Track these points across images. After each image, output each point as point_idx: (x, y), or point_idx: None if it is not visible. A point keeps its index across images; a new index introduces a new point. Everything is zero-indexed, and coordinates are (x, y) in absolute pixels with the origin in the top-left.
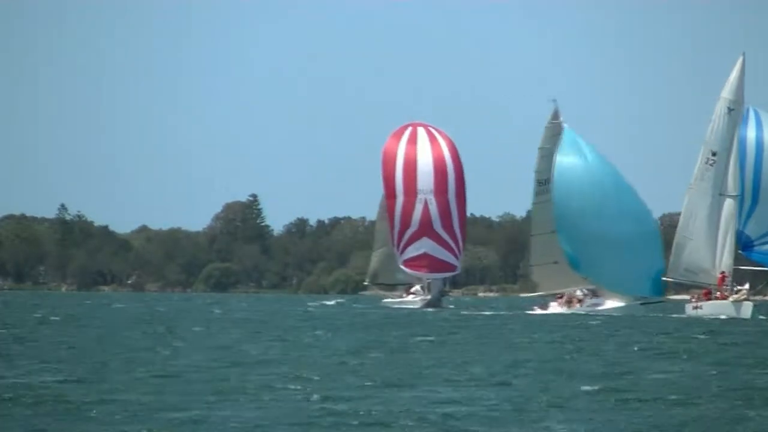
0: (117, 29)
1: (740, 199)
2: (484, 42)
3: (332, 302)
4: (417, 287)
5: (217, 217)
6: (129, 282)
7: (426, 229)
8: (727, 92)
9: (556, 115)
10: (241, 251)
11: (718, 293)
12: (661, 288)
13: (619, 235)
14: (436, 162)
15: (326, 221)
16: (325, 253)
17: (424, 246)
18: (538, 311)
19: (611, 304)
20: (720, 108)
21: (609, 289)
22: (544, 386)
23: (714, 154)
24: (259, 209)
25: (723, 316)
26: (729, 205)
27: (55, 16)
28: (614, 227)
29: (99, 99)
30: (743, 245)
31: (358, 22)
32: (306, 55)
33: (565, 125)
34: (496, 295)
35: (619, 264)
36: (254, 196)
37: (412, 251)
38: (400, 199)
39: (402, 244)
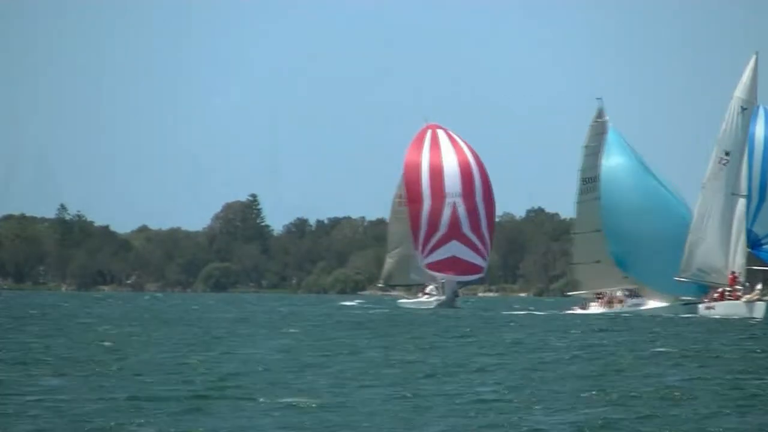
0: (117, 29)
1: (748, 197)
2: (482, 41)
3: (353, 302)
4: (431, 287)
5: (217, 217)
6: (129, 282)
7: (455, 232)
8: (740, 92)
9: (600, 114)
10: (240, 251)
11: (731, 293)
12: (704, 288)
13: (663, 235)
14: (461, 166)
15: (326, 221)
16: (324, 253)
17: (451, 250)
18: (578, 311)
19: (653, 304)
20: (733, 107)
21: (653, 288)
22: (543, 386)
23: (727, 154)
24: (259, 209)
25: (736, 316)
26: (741, 204)
27: (55, 16)
28: (659, 227)
29: (99, 99)
30: (752, 244)
31: (358, 22)
32: (306, 55)
33: (610, 125)
34: (496, 295)
35: (663, 264)
36: (254, 196)
37: (438, 255)
38: (426, 203)
39: (428, 247)
